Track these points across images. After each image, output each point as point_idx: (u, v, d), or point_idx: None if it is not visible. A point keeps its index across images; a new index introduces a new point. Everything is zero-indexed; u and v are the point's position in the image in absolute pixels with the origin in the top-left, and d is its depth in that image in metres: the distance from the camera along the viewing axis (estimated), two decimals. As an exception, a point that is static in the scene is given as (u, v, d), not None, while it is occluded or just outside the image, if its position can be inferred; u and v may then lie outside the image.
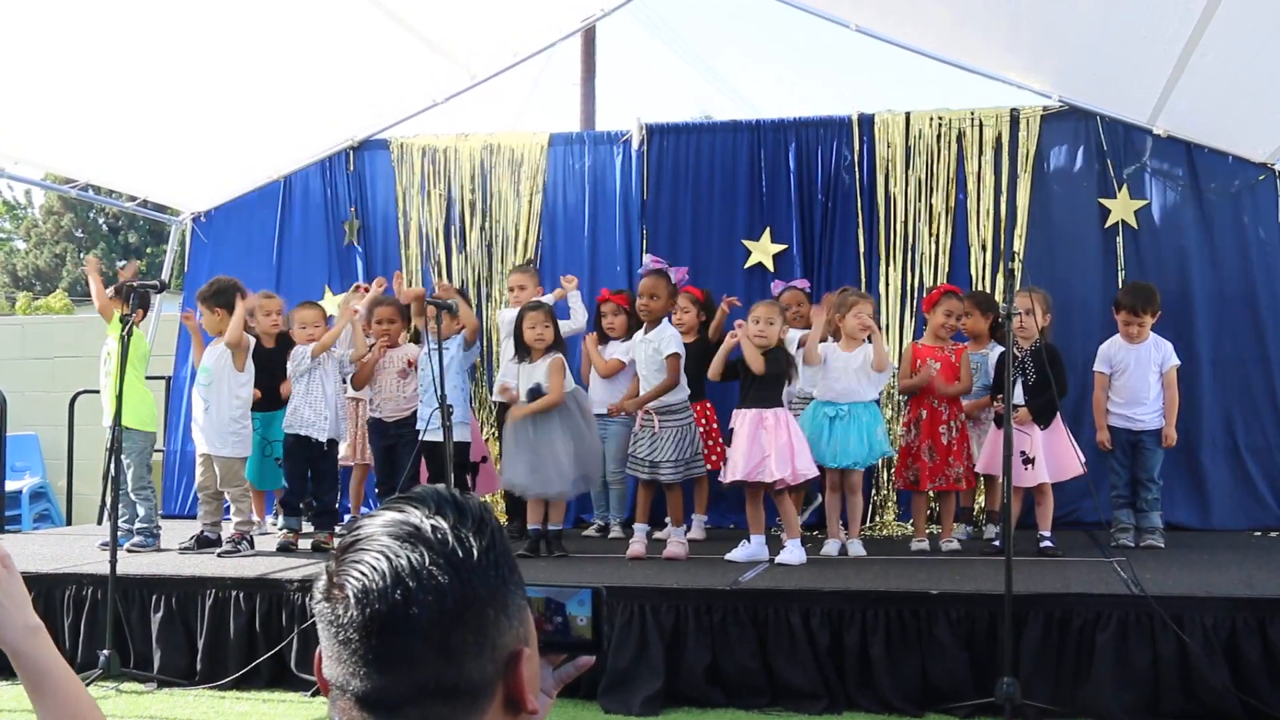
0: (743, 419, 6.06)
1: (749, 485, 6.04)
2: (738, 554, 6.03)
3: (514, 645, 1.23)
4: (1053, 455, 6.31)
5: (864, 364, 6.39)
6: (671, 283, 6.62)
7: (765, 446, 5.93)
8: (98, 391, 8.34)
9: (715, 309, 7.17)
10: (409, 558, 1.18)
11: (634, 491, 7.26)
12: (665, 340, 6.49)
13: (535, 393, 6.35)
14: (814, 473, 6.19)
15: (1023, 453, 6.12)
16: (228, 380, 6.70)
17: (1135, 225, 7.78)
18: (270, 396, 7.02)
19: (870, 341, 6.37)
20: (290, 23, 7.19)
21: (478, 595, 1.20)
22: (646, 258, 7.03)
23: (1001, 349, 6.68)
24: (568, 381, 6.46)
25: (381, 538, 1.20)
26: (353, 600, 1.17)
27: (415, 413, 6.95)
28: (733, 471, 6.02)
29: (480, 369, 8.30)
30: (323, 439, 6.74)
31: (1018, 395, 6.23)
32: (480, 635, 1.19)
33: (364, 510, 5.97)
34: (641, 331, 6.67)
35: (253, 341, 6.86)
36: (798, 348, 6.50)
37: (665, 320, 6.66)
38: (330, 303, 8.65)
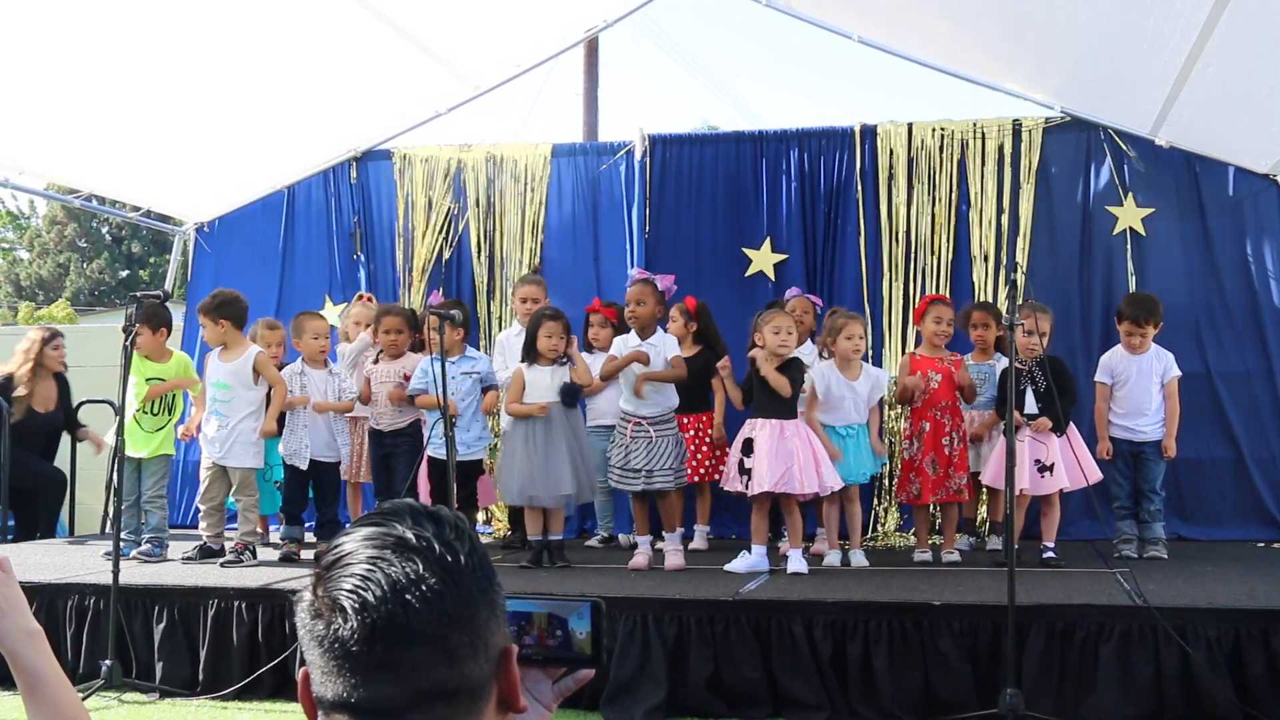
0: (760, 429, 6.06)
1: (761, 496, 6.05)
2: (737, 565, 6.03)
3: (503, 644, 1.27)
4: (1070, 462, 6.31)
5: (870, 390, 6.46)
6: (659, 289, 6.57)
7: (789, 458, 5.95)
8: (100, 402, 8.38)
9: (709, 319, 7.15)
10: (403, 567, 1.20)
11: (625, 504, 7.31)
12: (669, 346, 6.46)
13: (570, 391, 6.38)
14: (840, 484, 6.18)
15: (1038, 461, 6.14)
16: (246, 393, 6.72)
17: (1139, 235, 7.79)
18: None
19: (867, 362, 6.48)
20: (293, 33, 7.22)
21: (472, 597, 1.23)
22: (632, 271, 7.00)
23: (1000, 364, 6.70)
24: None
25: (368, 550, 1.22)
26: (352, 613, 1.18)
27: (412, 423, 6.95)
28: (759, 483, 6.00)
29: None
30: (304, 466, 6.80)
31: (1031, 405, 6.25)
32: (475, 636, 1.22)
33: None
34: (634, 336, 6.48)
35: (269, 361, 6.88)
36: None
37: (660, 329, 6.56)
38: (331, 313, 8.68)
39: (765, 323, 6.14)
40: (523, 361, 6.59)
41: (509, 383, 7.16)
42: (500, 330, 8.34)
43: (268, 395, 6.84)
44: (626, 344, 6.53)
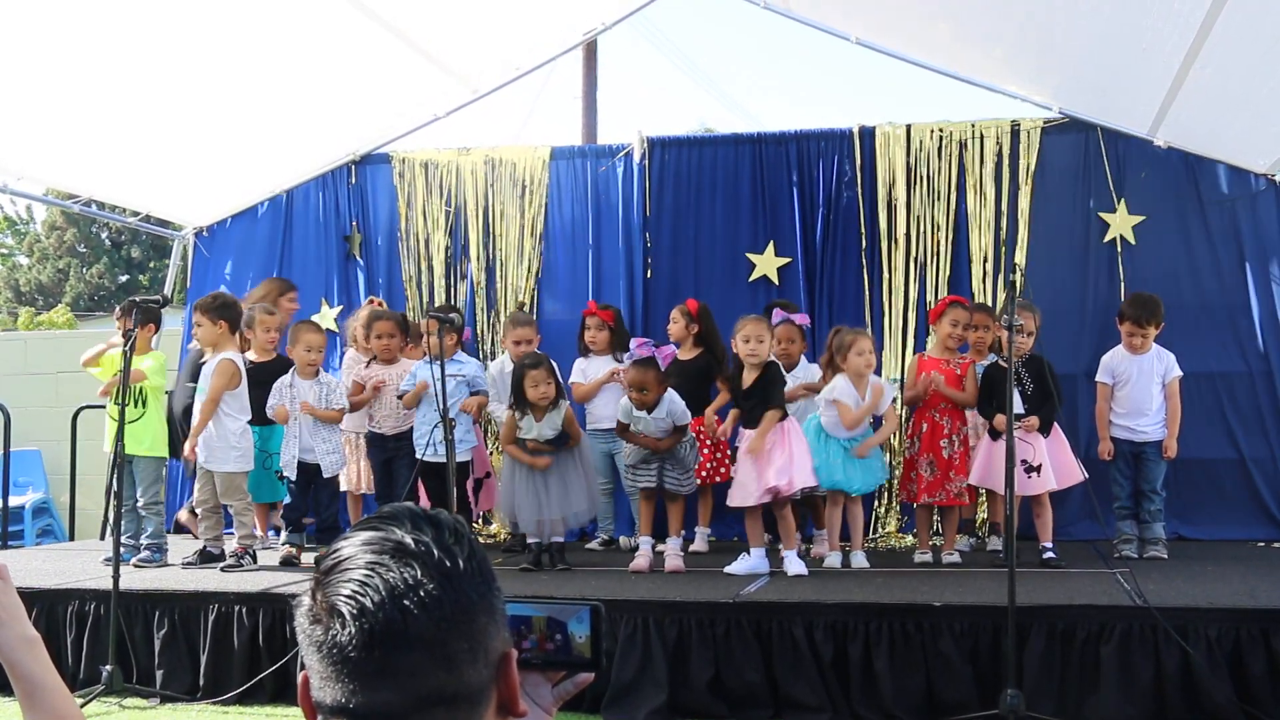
0: (746, 440, 6.09)
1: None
2: (737, 567, 6.04)
3: (502, 648, 1.27)
4: (1056, 463, 6.32)
5: (875, 407, 6.47)
6: (659, 369, 6.50)
7: (769, 460, 5.96)
8: (101, 407, 8.37)
9: (710, 322, 7.16)
10: (401, 572, 1.20)
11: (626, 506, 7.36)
12: (679, 415, 6.40)
13: (559, 440, 6.41)
14: (811, 482, 6.16)
15: (1024, 461, 6.13)
16: (224, 397, 6.71)
17: (1135, 237, 7.79)
18: None
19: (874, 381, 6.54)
20: (291, 37, 7.22)
21: (471, 602, 1.22)
22: (633, 343, 6.98)
23: (987, 362, 6.70)
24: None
25: (366, 555, 1.22)
26: (349, 618, 1.18)
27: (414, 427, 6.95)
28: (743, 498, 6.06)
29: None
30: (293, 476, 6.80)
31: (1017, 404, 6.25)
32: (474, 641, 1.22)
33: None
34: (644, 412, 6.39)
35: (242, 365, 6.85)
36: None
37: (667, 395, 6.43)
38: (327, 315, 8.70)
39: (738, 330, 6.15)
40: (513, 409, 6.56)
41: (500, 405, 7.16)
42: (493, 343, 8.37)
43: (262, 397, 6.84)
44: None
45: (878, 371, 7.01)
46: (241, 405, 6.76)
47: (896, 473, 7.38)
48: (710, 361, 7.01)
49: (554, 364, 6.61)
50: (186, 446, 6.81)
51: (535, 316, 8.19)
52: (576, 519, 6.64)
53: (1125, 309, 6.78)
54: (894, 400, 6.95)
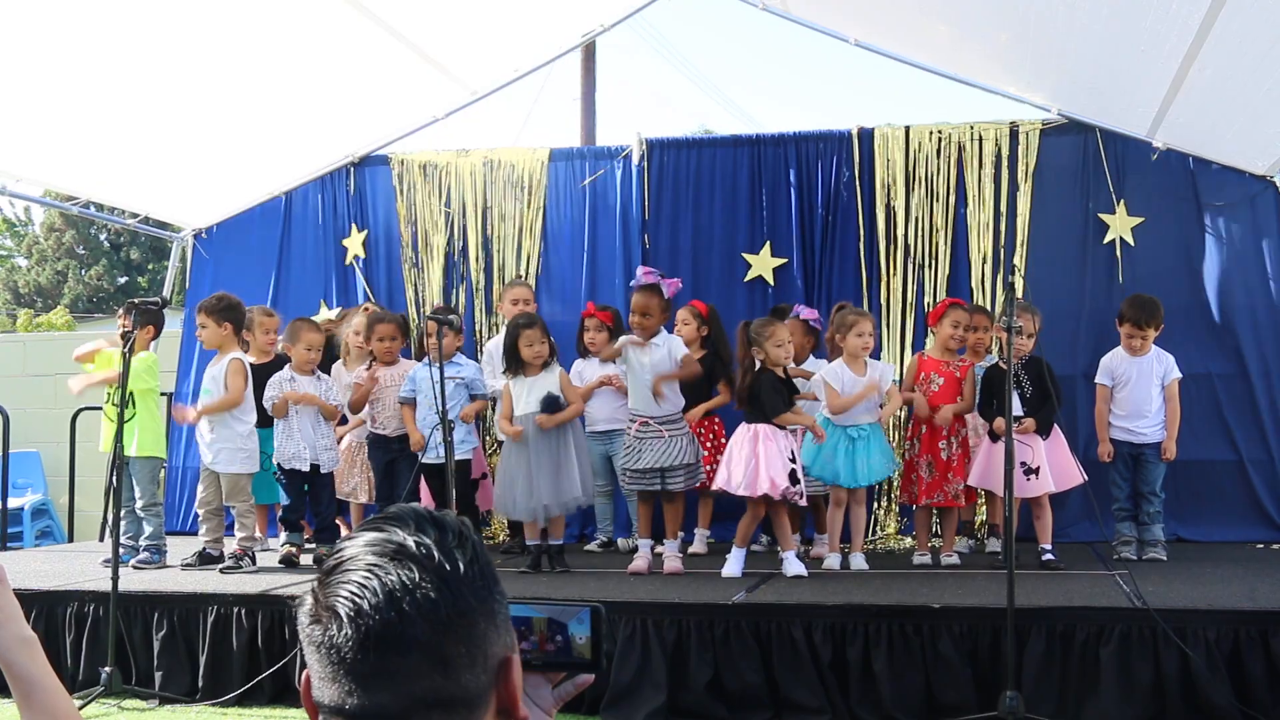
0: (744, 435, 6.11)
1: (751, 500, 6.06)
2: (732, 569, 6.02)
3: (503, 653, 1.26)
4: (1055, 465, 6.32)
5: (865, 396, 6.45)
6: (665, 298, 6.58)
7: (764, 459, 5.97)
8: (99, 409, 8.38)
9: (719, 324, 7.15)
10: (399, 574, 1.19)
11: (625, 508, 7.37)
12: (675, 346, 6.49)
13: (551, 402, 6.36)
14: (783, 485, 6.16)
15: (1024, 464, 6.12)
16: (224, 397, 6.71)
17: (1133, 239, 7.79)
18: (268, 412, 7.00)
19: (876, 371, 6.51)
20: (291, 39, 7.22)
21: (469, 606, 1.22)
22: (639, 270, 6.97)
23: (987, 364, 6.70)
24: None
25: (367, 557, 1.22)
26: (346, 620, 1.18)
27: None
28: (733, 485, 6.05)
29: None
30: (305, 468, 6.79)
31: (1016, 406, 6.24)
32: (472, 646, 1.21)
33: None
34: (642, 352, 6.52)
35: (248, 366, 6.85)
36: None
37: (663, 330, 6.58)
38: (324, 315, 8.69)
39: (766, 339, 6.10)
40: (505, 373, 6.56)
41: (498, 394, 7.14)
42: (491, 338, 8.35)
43: (257, 399, 6.83)
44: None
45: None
46: (248, 407, 6.77)
47: (897, 475, 7.39)
48: (715, 363, 7.00)
49: (547, 327, 6.65)
50: (192, 413, 6.80)
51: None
52: (565, 508, 6.57)
53: (1125, 310, 6.78)
54: (895, 382, 6.94)
